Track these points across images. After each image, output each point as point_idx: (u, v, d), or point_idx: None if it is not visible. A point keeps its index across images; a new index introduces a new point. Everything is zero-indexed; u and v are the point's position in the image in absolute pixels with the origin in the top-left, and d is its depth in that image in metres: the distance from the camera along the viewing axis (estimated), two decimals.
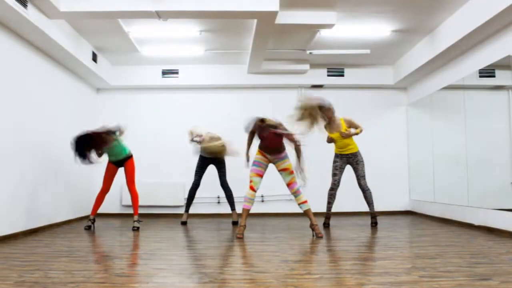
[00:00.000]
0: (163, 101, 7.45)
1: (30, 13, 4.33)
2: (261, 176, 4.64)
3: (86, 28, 5.50)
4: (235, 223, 5.89)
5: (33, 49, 5.09)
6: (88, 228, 5.37)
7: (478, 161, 5.43)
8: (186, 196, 6.74)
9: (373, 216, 5.55)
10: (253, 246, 4.07)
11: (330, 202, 5.57)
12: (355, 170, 5.51)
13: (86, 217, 6.63)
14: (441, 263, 3.11)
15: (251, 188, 4.57)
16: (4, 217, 4.42)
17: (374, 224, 5.52)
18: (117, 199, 7.21)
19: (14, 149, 4.64)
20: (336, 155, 5.59)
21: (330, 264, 3.25)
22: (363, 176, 5.49)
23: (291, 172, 4.57)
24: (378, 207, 7.28)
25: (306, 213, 4.63)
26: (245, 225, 4.62)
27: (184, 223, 5.93)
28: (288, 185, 4.61)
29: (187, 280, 2.75)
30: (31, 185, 5.02)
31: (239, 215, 6.05)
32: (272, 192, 7.21)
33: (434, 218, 6.30)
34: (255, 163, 4.66)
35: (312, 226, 4.61)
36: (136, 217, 5.37)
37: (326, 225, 5.52)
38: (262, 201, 7.19)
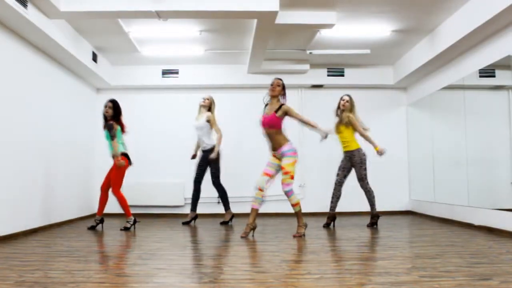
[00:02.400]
0: (163, 101, 7.44)
1: (30, 13, 4.33)
2: (268, 175, 4.61)
3: (86, 28, 5.49)
4: (223, 223, 5.86)
5: (33, 49, 5.09)
6: (91, 228, 5.35)
7: (478, 161, 5.43)
8: (187, 196, 6.70)
9: (373, 216, 5.50)
10: (253, 246, 4.07)
11: (331, 202, 5.53)
12: (355, 172, 5.48)
13: (87, 217, 6.63)
14: (441, 263, 3.11)
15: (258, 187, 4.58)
16: (4, 217, 4.41)
17: (370, 225, 5.47)
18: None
19: (13, 149, 4.64)
20: (343, 154, 5.58)
21: (330, 264, 3.25)
22: (361, 179, 5.42)
23: (285, 173, 4.47)
24: (378, 207, 7.27)
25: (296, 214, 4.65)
26: (251, 225, 4.58)
27: (185, 223, 5.91)
28: (282, 183, 4.54)
29: (187, 280, 2.75)
30: (31, 185, 5.02)
31: (233, 216, 6.01)
32: (272, 192, 7.19)
33: (434, 218, 6.30)
34: (266, 164, 4.67)
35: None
36: (129, 218, 5.29)
37: (325, 225, 5.49)
38: (262, 201, 7.17)
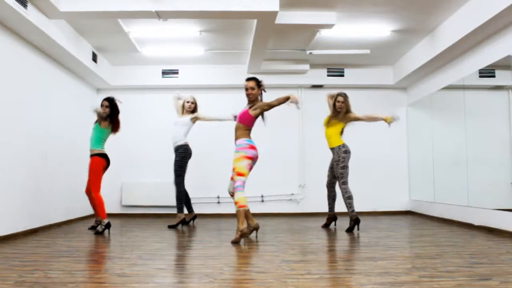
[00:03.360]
0: (163, 101, 7.43)
1: (30, 13, 4.33)
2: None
3: (86, 28, 5.49)
4: (171, 226, 5.63)
5: (33, 49, 5.09)
6: (91, 228, 5.31)
7: (478, 161, 5.43)
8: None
9: (352, 220, 5.09)
10: (253, 246, 4.07)
11: (328, 204, 5.50)
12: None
13: (86, 217, 6.62)
14: (441, 263, 3.11)
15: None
16: (4, 217, 4.41)
17: (348, 229, 5.09)
18: (117, 199, 7.21)
19: (14, 149, 4.64)
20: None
21: (330, 264, 3.25)
22: (336, 177, 5.16)
23: (233, 169, 4.30)
24: (378, 207, 7.29)
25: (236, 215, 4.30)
26: (248, 226, 4.42)
27: (184, 223, 5.89)
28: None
29: (187, 280, 2.75)
30: (31, 185, 5.02)
31: (184, 219, 5.77)
32: (272, 192, 7.22)
33: (434, 218, 6.30)
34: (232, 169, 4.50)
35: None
36: (102, 220, 4.94)
37: (324, 226, 5.47)
38: (262, 201, 7.19)
